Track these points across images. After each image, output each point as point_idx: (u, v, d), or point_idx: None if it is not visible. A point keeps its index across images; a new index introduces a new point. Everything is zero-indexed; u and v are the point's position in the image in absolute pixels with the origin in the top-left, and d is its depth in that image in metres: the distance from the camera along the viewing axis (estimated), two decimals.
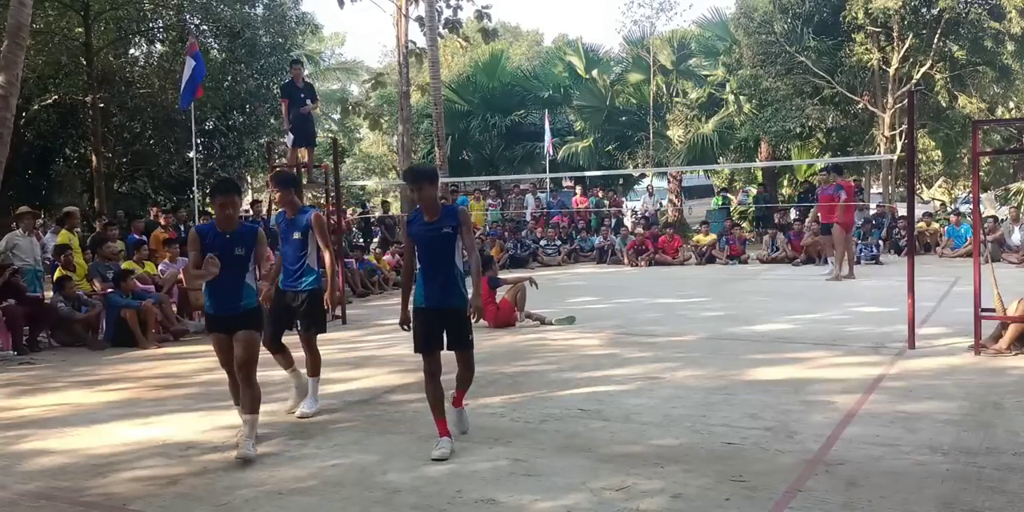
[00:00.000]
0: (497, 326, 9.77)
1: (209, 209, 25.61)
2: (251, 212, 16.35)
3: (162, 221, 14.19)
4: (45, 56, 19.15)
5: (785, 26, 21.58)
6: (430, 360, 4.95)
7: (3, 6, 13.48)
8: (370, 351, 8.64)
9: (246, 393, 5.13)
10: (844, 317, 9.73)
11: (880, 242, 17.26)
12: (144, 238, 12.59)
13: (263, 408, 6.12)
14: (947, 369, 6.79)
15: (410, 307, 5.10)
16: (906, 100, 13.91)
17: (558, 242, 19.34)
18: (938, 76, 21.08)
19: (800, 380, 6.52)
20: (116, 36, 21.20)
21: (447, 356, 5.00)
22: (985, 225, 14.41)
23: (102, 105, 19.88)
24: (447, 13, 22.28)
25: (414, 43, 22.10)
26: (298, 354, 6.07)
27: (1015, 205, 20.69)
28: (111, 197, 20.51)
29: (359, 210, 23.59)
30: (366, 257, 15.01)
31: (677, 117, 25.68)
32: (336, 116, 38.49)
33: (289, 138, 11.55)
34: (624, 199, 24.92)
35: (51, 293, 10.38)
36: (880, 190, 23.41)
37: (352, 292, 13.09)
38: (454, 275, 4.96)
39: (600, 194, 22.46)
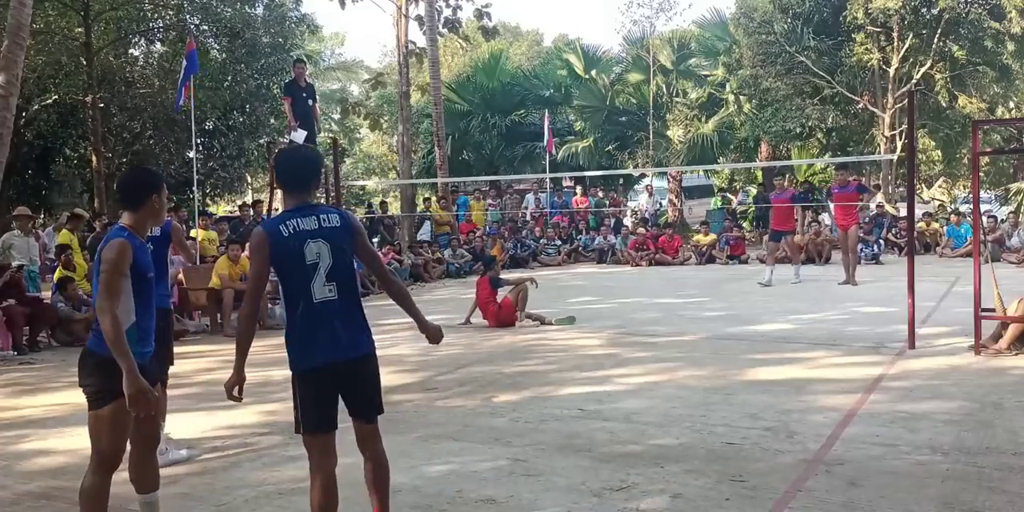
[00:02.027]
0: (498, 326, 9.78)
1: (211, 209, 25.73)
2: (252, 212, 16.30)
3: None
4: (45, 56, 19.13)
5: (785, 26, 21.58)
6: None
7: (3, 6, 13.48)
8: None
9: (146, 469, 3.81)
10: (844, 317, 9.73)
11: (880, 242, 17.25)
12: None
13: (261, 408, 6.15)
14: (947, 369, 6.79)
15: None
16: (906, 100, 13.92)
17: (558, 242, 19.34)
18: (938, 76, 21.08)
19: (800, 380, 6.52)
20: (116, 36, 21.19)
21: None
22: (985, 225, 14.40)
23: (102, 105, 19.86)
24: (447, 12, 22.28)
25: (414, 43, 22.09)
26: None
27: (1015, 205, 20.69)
28: (111, 197, 20.49)
29: (366, 211, 23.56)
30: None
31: (677, 117, 25.68)
32: (336, 116, 38.47)
33: (300, 134, 11.53)
34: (625, 199, 24.91)
35: (48, 293, 10.38)
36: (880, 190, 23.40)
37: None
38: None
39: (600, 194, 22.41)
